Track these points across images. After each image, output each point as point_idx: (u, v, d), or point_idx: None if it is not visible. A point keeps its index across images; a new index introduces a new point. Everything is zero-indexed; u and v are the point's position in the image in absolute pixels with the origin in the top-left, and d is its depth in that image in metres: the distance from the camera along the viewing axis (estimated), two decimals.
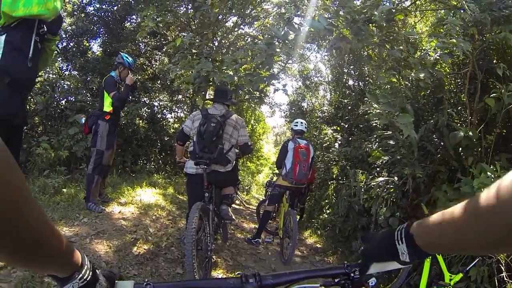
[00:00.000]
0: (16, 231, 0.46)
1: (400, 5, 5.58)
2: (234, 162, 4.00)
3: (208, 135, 3.67)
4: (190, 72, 4.25)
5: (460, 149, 4.26)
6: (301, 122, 5.61)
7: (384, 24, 3.21)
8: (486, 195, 0.53)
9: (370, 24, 3.11)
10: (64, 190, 5.28)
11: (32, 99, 7.13)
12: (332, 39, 2.85)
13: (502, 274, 3.29)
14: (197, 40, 5.44)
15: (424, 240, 0.74)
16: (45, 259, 0.57)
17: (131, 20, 10.80)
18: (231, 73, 4.15)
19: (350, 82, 10.19)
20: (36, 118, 7.63)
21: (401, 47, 3.60)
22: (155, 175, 8.51)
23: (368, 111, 3.37)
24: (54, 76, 9.27)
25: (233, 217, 4.19)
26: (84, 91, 8.35)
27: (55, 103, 7.58)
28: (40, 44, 2.93)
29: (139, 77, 10.83)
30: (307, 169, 5.21)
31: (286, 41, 3.44)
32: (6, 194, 0.41)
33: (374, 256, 0.87)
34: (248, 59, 3.90)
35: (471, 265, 3.24)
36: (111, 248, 3.64)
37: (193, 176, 3.82)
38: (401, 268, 0.88)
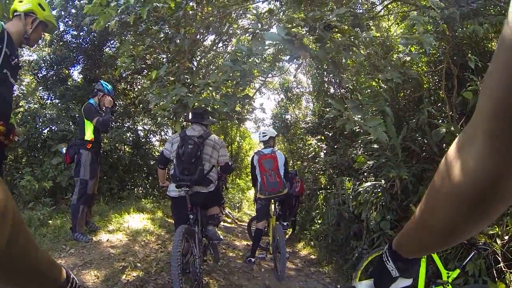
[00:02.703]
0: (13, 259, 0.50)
1: (373, 9, 5.69)
2: (217, 181, 3.99)
3: (186, 157, 3.66)
4: (166, 99, 4.25)
5: (444, 145, 4.30)
6: (263, 132, 5.65)
7: (346, 28, 3.23)
8: (437, 179, 0.59)
9: (334, 30, 3.13)
10: (50, 221, 5.19)
11: None
12: (292, 49, 2.85)
13: (499, 265, 3.29)
14: (175, 67, 5.44)
15: (406, 249, 0.76)
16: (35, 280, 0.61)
17: (110, 46, 10.80)
18: (210, 94, 4.15)
19: (332, 91, 10.26)
20: (20, 150, 7.52)
21: (368, 51, 3.63)
22: (143, 200, 8.41)
23: (330, 116, 3.35)
24: (35, 106, 9.21)
25: (221, 237, 4.16)
26: (66, 120, 8.27)
27: (37, 133, 7.48)
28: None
29: (121, 102, 10.79)
30: (275, 177, 5.15)
31: (252, 56, 3.46)
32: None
33: (380, 284, 0.88)
34: (221, 78, 3.89)
35: (467, 260, 3.23)
36: (99, 278, 3.57)
37: (176, 199, 3.79)
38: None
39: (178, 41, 5.26)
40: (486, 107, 0.47)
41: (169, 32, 5.19)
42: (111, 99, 4.98)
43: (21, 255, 0.51)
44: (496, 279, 3.28)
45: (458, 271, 3.25)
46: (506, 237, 3.37)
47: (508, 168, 0.47)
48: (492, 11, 4.34)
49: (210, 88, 4.06)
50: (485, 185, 0.50)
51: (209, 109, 4.40)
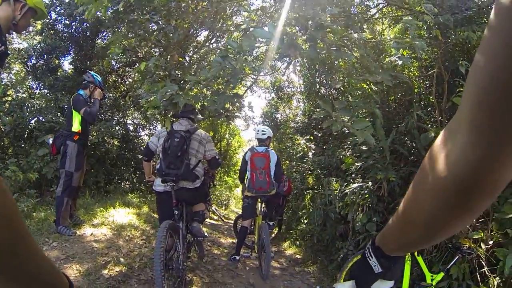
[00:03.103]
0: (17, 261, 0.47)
1: (367, 12, 5.69)
2: (203, 177, 3.96)
3: (173, 150, 3.64)
4: (157, 95, 4.20)
5: None
6: (262, 130, 5.62)
7: (339, 28, 3.22)
8: (417, 178, 0.60)
9: (327, 31, 3.11)
10: (34, 214, 5.11)
11: None
12: (282, 47, 2.83)
13: (483, 269, 3.31)
14: (165, 61, 5.38)
15: (389, 245, 0.76)
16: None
17: (102, 37, 10.67)
18: (200, 90, 4.12)
19: (323, 91, 10.25)
20: (6, 139, 7.39)
21: (360, 52, 3.63)
22: (129, 195, 8.33)
23: (318, 117, 3.34)
24: (23, 95, 9.07)
25: (206, 233, 4.14)
26: (54, 111, 8.14)
27: (24, 123, 7.35)
28: None
29: (111, 95, 10.68)
30: (265, 176, 5.16)
31: (242, 52, 3.44)
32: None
33: (362, 282, 0.88)
34: (210, 74, 3.85)
35: (451, 263, 3.26)
36: (81, 273, 3.52)
37: (161, 194, 3.76)
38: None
39: (170, 34, 5.21)
40: (471, 97, 0.46)
41: (160, 22, 5.13)
42: (101, 91, 4.94)
43: (21, 262, 0.48)
44: (480, 283, 3.31)
45: (442, 274, 3.28)
46: (491, 242, 3.39)
47: (490, 160, 0.47)
48: (485, 20, 4.36)
49: (201, 85, 4.03)
50: (466, 178, 0.49)
51: (198, 106, 4.37)
